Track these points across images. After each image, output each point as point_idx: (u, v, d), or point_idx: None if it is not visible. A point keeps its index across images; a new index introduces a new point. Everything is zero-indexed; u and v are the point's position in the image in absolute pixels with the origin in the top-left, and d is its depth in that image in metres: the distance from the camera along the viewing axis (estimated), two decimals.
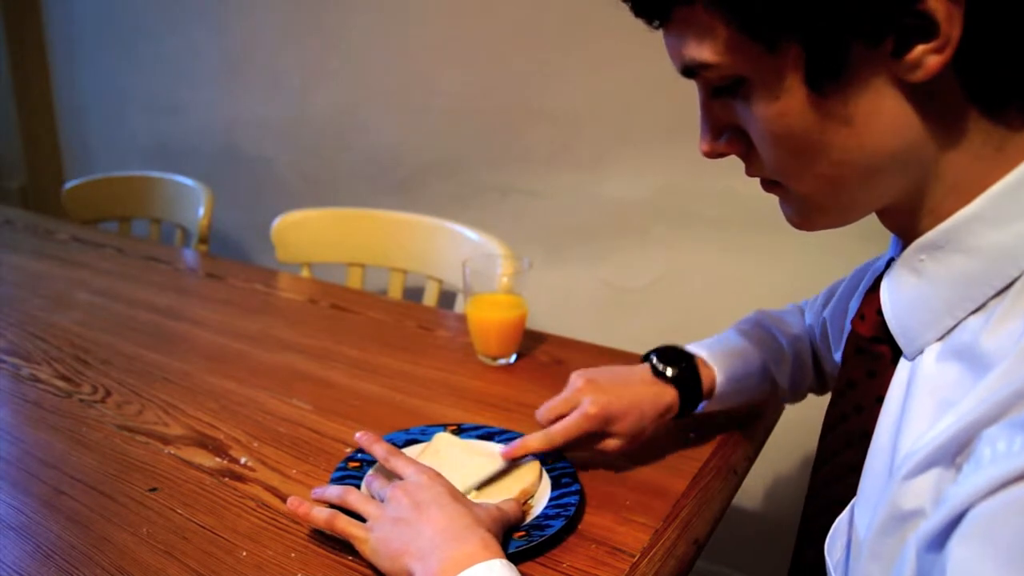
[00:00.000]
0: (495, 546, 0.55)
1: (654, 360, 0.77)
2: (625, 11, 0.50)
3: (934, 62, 0.41)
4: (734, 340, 0.81)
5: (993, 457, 0.36)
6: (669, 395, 0.75)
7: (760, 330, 0.83)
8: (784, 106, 0.45)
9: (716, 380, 0.77)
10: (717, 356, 0.79)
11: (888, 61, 0.42)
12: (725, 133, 0.51)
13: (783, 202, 0.53)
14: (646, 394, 0.74)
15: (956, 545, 0.36)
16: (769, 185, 0.52)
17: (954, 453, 0.40)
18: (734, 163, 0.54)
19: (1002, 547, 0.34)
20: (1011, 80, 0.42)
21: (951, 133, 0.44)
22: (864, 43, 0.42)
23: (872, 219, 0.52)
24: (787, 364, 0.81)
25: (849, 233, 1.32)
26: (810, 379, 0.84)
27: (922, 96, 0.43)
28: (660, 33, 0.50)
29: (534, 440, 0.71)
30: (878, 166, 0.45)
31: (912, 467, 0.42)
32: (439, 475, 0.64)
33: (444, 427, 0.78)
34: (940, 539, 0.37)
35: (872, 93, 0.43)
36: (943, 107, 0.43)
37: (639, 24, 0.50)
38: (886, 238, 0.55)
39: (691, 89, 0.53)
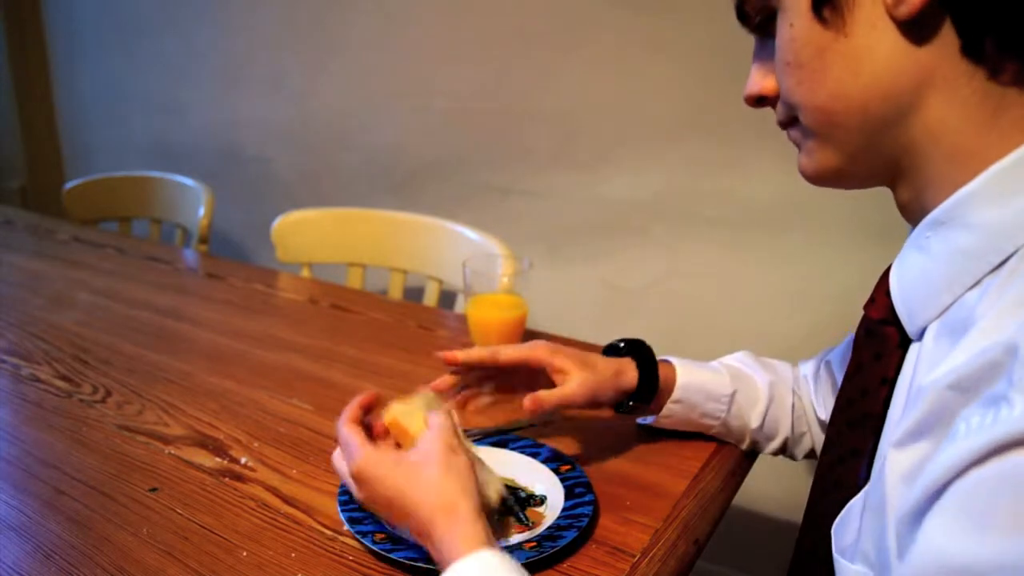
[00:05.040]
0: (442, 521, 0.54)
1: (604, 347, 0.79)
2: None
3: None
4: (706, 363, 0.80)
5: (967, 432, 0.37)
6: (623, 360, 0.75)
7: (739, 364, 0.81)
8: (795, 32, 0.49)
9: (677, 378, 0.76)
10: (683, 362, 0.78)
11: None
12: (768, 76, 0.55)
13: (799, 150, 0.55)
14: (599, 356, 0.75)
15: (931, 516, 0.38)
16: (790, 126, 0.55)
17: (937, 425, 0.42)
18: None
19: (974, 517, 0.36)
20: (995, 23, 0.43)
21: (947, 84, 0.45)
22: None
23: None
24: (760, 403, 0.77)
25: (849, 233, 1.32)
26: (787, 428, 0.79)
27: (916, 37, 0.45)
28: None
29: (478, 349, 0.72)
30: (872, 105, 0.48)
31: (900, 437, 0.44)
32: (370, 463, 0.59)
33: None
34: (919, 514, 0.39)
35: (869, 28, 0.46)
36: (939, 54, 0.45)
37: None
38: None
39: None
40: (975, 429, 0.37)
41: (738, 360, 0.81)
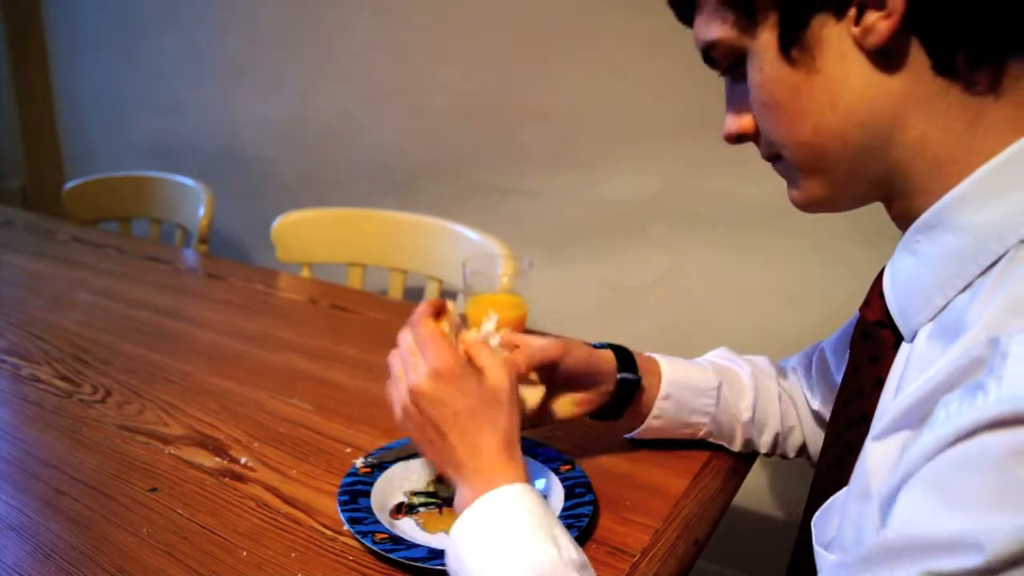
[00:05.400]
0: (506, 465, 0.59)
1: None
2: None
3: (884, 27, 0.44)
4: (687, 360, 0.79)
5: (946, 417, 0.38)
6: (600, 350, 0.75)
7: (719, 359, 0.80)
8: (766, 75, 0.49)
9: (663, 374, 0.75)
10: (665, 358, 0.77)
11: (852, 30, 0.46)
12: (744, 115, 0.55)
13: (787, 183, 0.56)
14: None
15: (903, 492, 0.39)
16: (775, 161, 0.55)
17: (920, 418, 0.42)
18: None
19: (943, 493, 0.37)
20: (963, 40, 0.44)
21: (922, 103, 0.46)
22: (829, 14, 0.46)
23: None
24: (747, 395, 0.77)
25: (847, 235, 1.31)
26: (776, 420, 0.78)
27: (886, 63, 0.46)
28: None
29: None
30: (853, 134, 0.48)
31: (881, 429, 0.45)
32: (445, 384, 0.61)
33: None
34: (895, 496, 0.40)
35: (839, 61, 0.47)
36: (911, 77, 0.46)
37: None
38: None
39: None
40: (953, 414, 0.38)
41: (718, 355, 0.81)
